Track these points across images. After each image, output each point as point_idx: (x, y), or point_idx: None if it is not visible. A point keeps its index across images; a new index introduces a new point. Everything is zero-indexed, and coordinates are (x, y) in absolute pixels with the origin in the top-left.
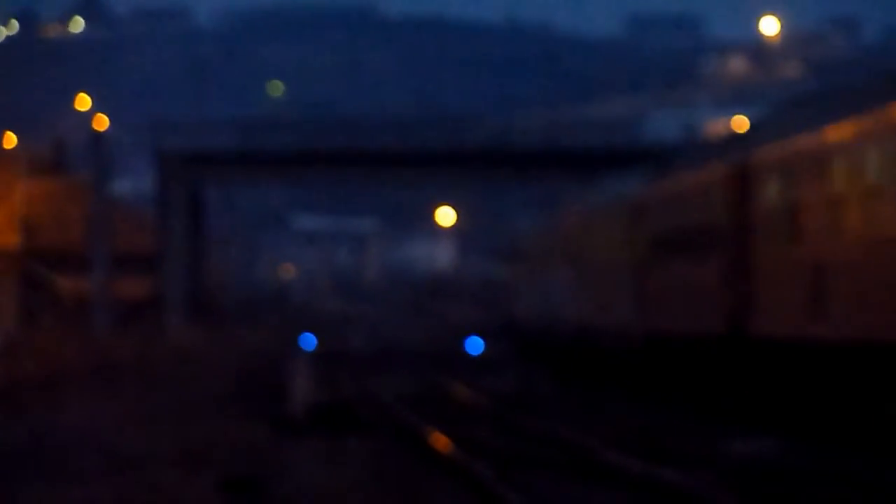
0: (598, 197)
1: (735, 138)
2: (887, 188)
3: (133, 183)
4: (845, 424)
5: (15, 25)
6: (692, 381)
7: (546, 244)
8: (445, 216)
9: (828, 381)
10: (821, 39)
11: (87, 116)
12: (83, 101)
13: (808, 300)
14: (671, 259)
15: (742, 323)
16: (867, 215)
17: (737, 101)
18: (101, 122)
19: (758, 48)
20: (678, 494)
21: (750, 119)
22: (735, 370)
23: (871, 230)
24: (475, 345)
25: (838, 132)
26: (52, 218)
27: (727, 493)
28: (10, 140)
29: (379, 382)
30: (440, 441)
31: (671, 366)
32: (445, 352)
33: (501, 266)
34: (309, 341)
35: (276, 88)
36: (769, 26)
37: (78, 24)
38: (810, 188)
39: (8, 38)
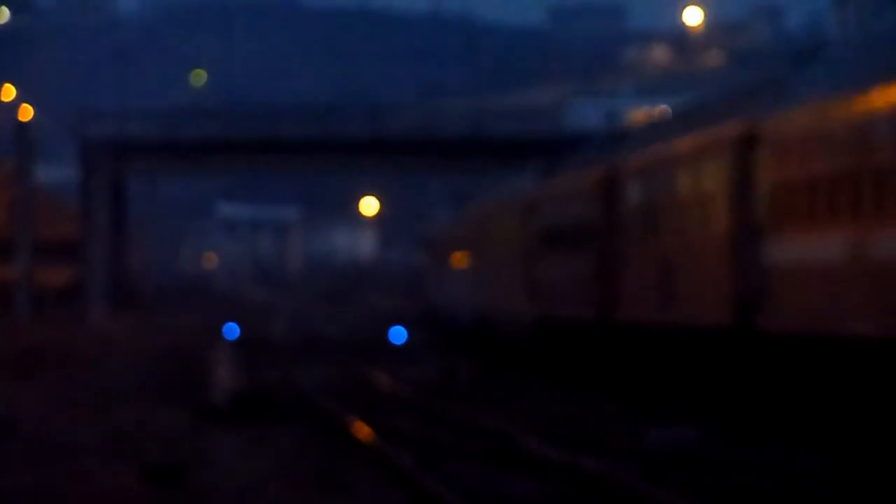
0: (499, 193)
1: (611, 143)
2: (717, 194)
3: (58, 171)
4: (761, 413)
5: None
6: (574, 364)
7: (455, 236)
8: (368, 206)
9: (679, 362)
10: (744, 28)
11: (12, 106)
12: (7, 91)
13: (660, 290)
14: (555, 252)
15: (610, 310)
16: (702, 217)
17: (659, 91)
18: (26, 112)
19: (680, 37)
20: (598, 483)
21: (671, 108)
22: (605, 353)
23: (704, 229)
24: (398, 334)
25: (683, 145)
26: None
27: (646, 482)
28: None
29: (301, 371)
30: (362, 430)
31: (558, 349)
32: (368, 341)
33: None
34: (231, 330)
35: (199, 77)
36: (692, 16)
37: (3, 15)
38: (662, 192)
39: None
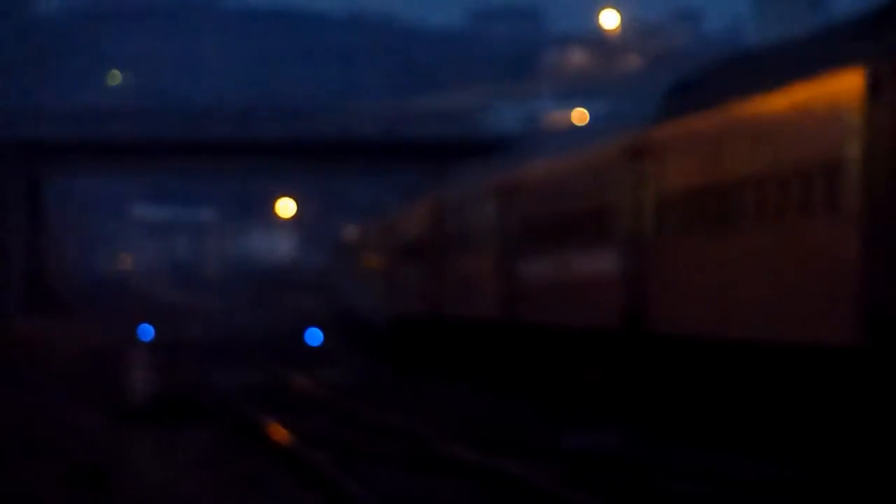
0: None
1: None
2: (489, 227)
3: None
4: (688, 418)
5: None
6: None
7: (364, 241)
8: (286, 207)
9: (469, 342)
10: (662, 31)
11: None
12: None
13: (463, 293)
14: (405, 263)
15: (438, 308)
16: (484, 242)
17: (578, 93)
18: None
19: (599, 41)
20: (518, 485)
21: (589, 111)
22: (437, 344)
23: (485, 252)
24: (314, 336)
25: (475, 188)
26: None
27: (566, 485)
28: None
29: (218, 373)
30: (279, 432)
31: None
32: (285, 342)
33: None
34: (147, 332)
35: (115, 78)
36: (609, 19)
37: None
38: (464, 221)
39: None
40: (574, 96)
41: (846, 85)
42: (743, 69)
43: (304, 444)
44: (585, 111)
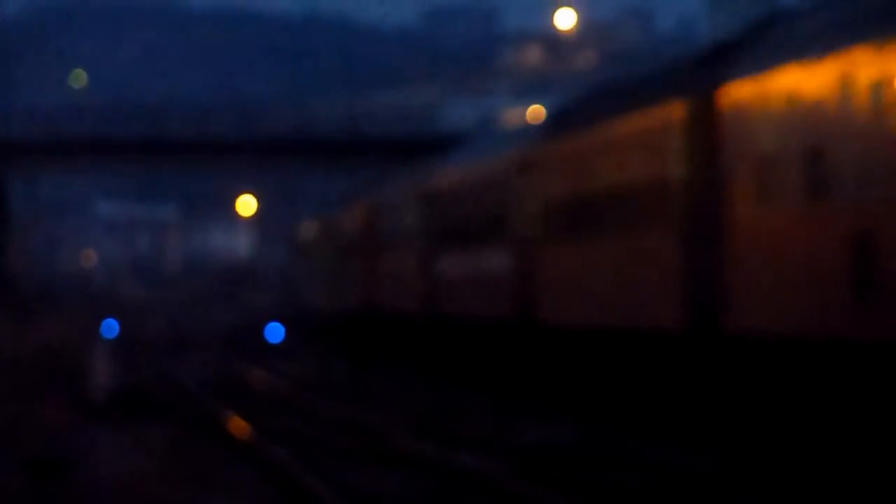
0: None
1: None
2: (415, 228)
3: None
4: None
5: None
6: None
7: (324, 234)
8: (246, 205)
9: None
10: (615, 30)
11: None
12: None
13: (395, 289)
14: (346, 260)
15: (373, 303)
16: (407, 241)
17: (534, 91)
18: None
19: (553, 39)
20: (472, 478)
21: (546, 107)
22: (374, 336)
23: (409, 250)
24: (275, 332)
25: (394, 192)
26: None
27: (519, 478)
28: None
29: (180, 368)
30: (239, 426)
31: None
32: (245, 338)
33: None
34: (110, 328)
35: (79, 78)
36: (564, 18)
37: None
38: (395, 221)
39: None
40: (530, 93)
41: (671, 115)
42: (610, 95)
43: (262, 439)
44: (542, 108)
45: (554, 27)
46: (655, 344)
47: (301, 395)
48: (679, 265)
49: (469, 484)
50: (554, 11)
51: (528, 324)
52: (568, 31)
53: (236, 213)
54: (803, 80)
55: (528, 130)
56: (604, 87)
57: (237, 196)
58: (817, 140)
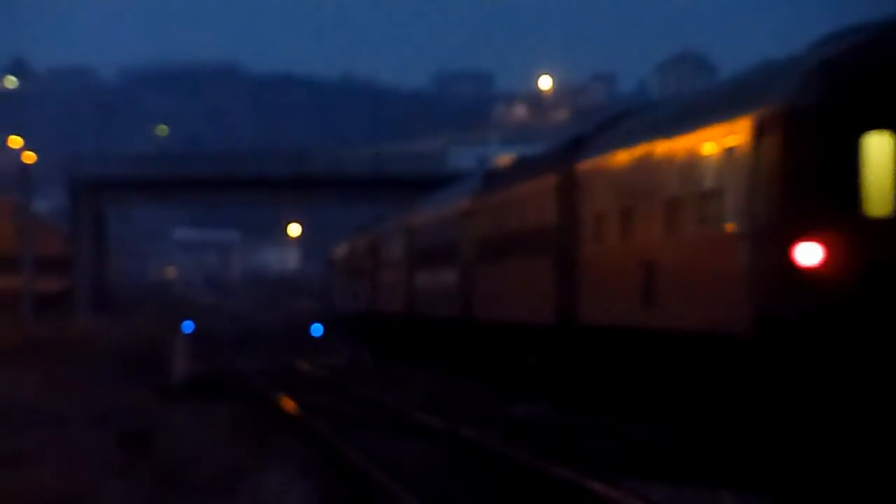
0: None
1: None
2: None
3: (50, 201)
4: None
5: None
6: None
7: (348, 255)
8: (294, 229)
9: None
10: (585, 90)
11: (17, 151)
12: (15, 141)
13: (388, 298)
14: (359, 276)
15: (375, 307)
16: (398, 261)
17: (519, 140)
18: (30, 157)
19: (535, 98)
20: (472, 445)
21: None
22: (375, 331)
23: (399, 267)
24: (317, 329)
25: (388, 227)
26: None
27: (510, 444)
28: None
29: (241, 359)
30: (288, 404)
31: (361, 327)
32: (292, 335)
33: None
34: (188, 326)
35: (163, 130)
36: (544, 82)
37: (12, 83)
38: (387, 247)
39: None
40: (517, 142)
41: (549, 183)
42: (519, 166)
43: (306, 413)
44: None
45: (537, 88)
46: (541, 333)
47: (336, 380)
48: (553, 281)
49: (469, 448)
50: (537, 76)
51: (468, 320)
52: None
53: (286, 235)
54: (620, 162)
55: (472, 185)
56: (517, 161)
57: (287, 222)
58: (626, 202)
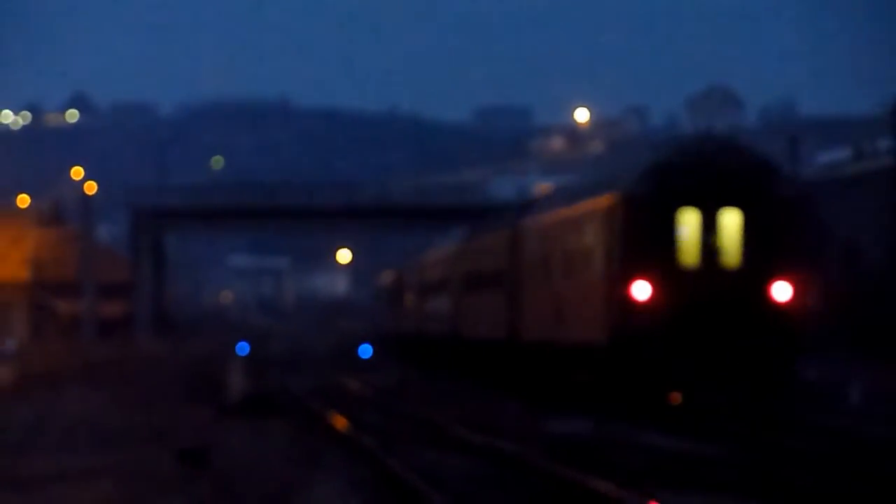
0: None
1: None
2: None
3: (108, 227)
4: (643, 408)
5: (28, 116)
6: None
7: (393, 282)
8: (343, 256)
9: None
10: (618, 123)
11: (79, 182)
12: (77, 172)
13: (432, 320)
14: (402, 299)
15: (422, 328)
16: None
17: (557, 170)
18: (91, 188)
19: (572, 130)
20: (512, 459)
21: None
22: (421, 349)
23: (402, 302)
24: (366, 350)
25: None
26: (53, 258)
27: (546, 457)
28: (24, 201)
29: (293, 379)
30: (339, 421)
31: (406, 346)
32: (343, 356)
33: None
34: (243, 348)
35: (218, 162)
36: (581, 115)
37: (74, 116)
38: (425, 279)
39: (23, 126)
40: (555, 172)
41: (504, 236)
42: (486, 224)
43: (355, 430)
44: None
45: (574, 121)
46: (499, 346)
47: (383, 398)
48: (505, 308)
49: (509, 462)
50: (574, 109)
51: (457, 337)
52: (584, 124)
53: (336, 261)
54: (543, 223)
55: (461, 234)
56: (485, 221)
57: (336, 249)
58: (545, 253)
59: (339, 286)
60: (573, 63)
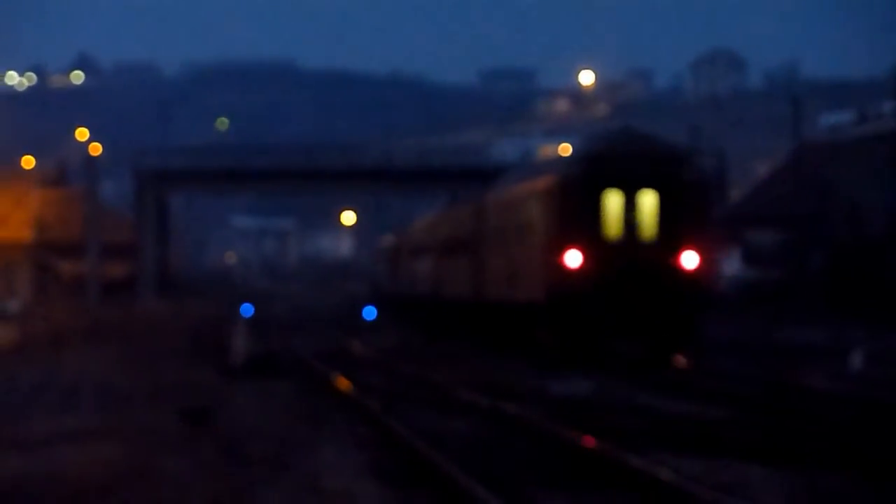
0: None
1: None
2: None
3: (112, 187)
4: (640, 370)
5: (33, 77)
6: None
7: (391, 245)
8: (347, 217)
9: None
10: (623, 86)
11: (84, 143)
12: (82, 133)
13: (412, 282)
14: (393, 263)
15: (406, 289)
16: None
17: (561, 133)
18: (96, 149)
19: (576, 93)
20: (514, 421)
21: (572, 145)
22: (405, 308)
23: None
24: (370, 312)
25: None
26: (57, 218)
27: (548, 419)
28: (29, 162)
29: (297, 340)
30: (342, 382)
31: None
32: (347, 317)
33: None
34: (247, 309)
35: (223, 124)
36: (585, 77)
37: (79, 77)
38: (411, 242)
39: (28, 87)
40: (558, 134)
41: (471, 209)
42: (458, 200)
43: (358, 391)
44: (569, 145)
45: (578, 84)
46: (467, 304)
47: (386, 360)
48: (472, 270)
49: (512, 424)
50: (578, 72)
51: (437, 298)
52: (588, 87)
53: (340, 223)
54: (500, 198)
55: (446, 203)
56: (457, 197)
57: (340, 211)
58: (502, 224)
59: (343, 248)
60: (577, 26)
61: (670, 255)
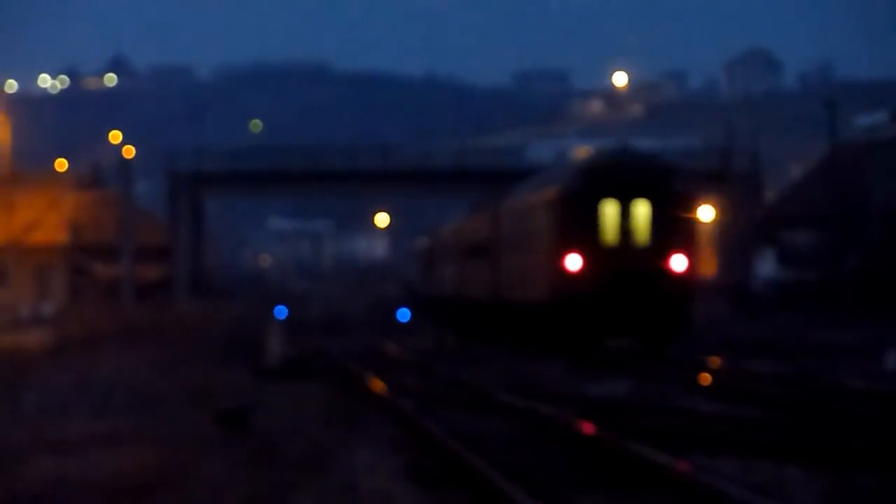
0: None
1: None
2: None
3: (146, 188)
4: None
5: (66, 80)
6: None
7: (424, 248)
8: (382, 220)
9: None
10: (657, 87)
11: (118, 146)
12: (116, 136)
13: (442, 283)
14: (427, 266)
15: (436, 290)
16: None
17: (595, 134)
18: (129, 152)
19: (610, 94)
20: (550, 422)
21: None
22: (436, 307)
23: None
24: (403, 314)
25: (441, 233)
26: (91, 221)
27: (584, 420)
28: (62, 165)
29: (330, 341)
30: (376, 384)
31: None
32: (381, 319)
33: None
34: (281, 311)
35: (256, 126)
36: (619, 78)
37: (112, 80)
38: (443, 246)
39: (61, 90)
40: (593, 135)
41: (489, 216)
42: (479, 205)
43: (392, 392)
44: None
45: (612, 85)
46: (487, 305)
47: (421, 361)
48: (490, 272)
49: (548, 426)
50: (612, 73)
51: (462, 299)
52: (622, 88)
53: (375, 225)
54: (514, 206)
55: (471, 208)
56: (478, 203)
57: (375, 213)
58: (516, 230)
59: (378, 250)
60: (611, 27)
61: (661, 258)
